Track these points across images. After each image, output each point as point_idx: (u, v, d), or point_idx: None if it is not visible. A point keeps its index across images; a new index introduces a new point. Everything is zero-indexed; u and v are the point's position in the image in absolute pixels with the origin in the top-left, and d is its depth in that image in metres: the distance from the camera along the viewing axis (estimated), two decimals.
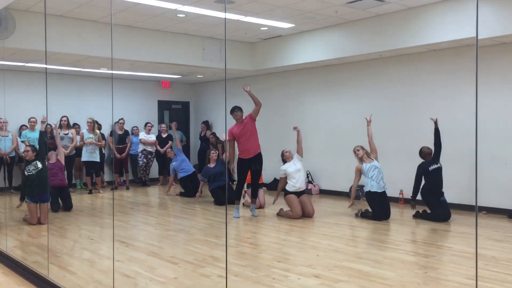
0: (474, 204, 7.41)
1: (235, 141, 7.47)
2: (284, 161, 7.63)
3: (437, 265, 4.74)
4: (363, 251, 5.26)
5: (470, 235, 6.04)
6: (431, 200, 7.02)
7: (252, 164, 7.42)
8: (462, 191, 7.34)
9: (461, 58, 7.77)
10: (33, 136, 9.73)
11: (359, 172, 7.23)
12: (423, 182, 7.13)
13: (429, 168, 7.05)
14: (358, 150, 7.30)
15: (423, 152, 7.25)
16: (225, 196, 8.44)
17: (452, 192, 7.34)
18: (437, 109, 8.15)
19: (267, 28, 9.17)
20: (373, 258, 4.94)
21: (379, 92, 9.04)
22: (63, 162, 7.78)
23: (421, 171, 7.13)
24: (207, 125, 12.38)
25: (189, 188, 9.52)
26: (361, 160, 7.26)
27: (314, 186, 9.98)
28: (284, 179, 7.50)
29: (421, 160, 7.25)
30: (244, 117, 7.45)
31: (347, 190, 8.78)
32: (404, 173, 7.99)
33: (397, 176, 8.54)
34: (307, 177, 10.06)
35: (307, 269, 4.57)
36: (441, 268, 4.60)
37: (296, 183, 7.37)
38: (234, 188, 7.70)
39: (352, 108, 9.50)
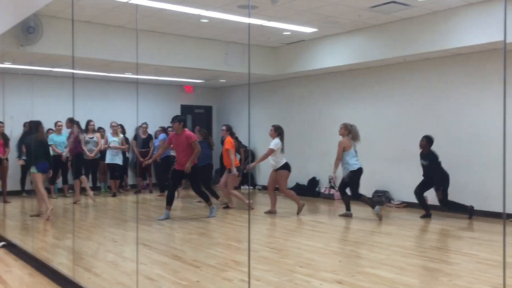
0: (501, 211, 7.26)
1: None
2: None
3: (463, 273, 4.65)
4: (386, 257, 5.20)
5: (496, 243, 5.92)
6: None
7: (186, 176, 7.73)
8: (489, 197, 7.19)
9: (488, 62, 7.62)
10: (60, 140, 9.90)
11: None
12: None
13: (420, 161, 7.71)
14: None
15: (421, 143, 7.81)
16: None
17: (478, 199, 7.21)
18: (463, 114, 8.02)
19: (290, 33, 9.17)
20: (397, 265, 4.88)
21: (404, 97, 8.95)
22: None
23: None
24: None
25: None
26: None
27: (337, 191, 9.90)
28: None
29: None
30: (185, 130, 7.61)
31: (370, 195, 8.73)
32: None
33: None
34: (329, 182, 9.99)
35: (330, 274, 4.54)
36: (467, 276, 4.51)
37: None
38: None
39: (375, 112, 9.42)
